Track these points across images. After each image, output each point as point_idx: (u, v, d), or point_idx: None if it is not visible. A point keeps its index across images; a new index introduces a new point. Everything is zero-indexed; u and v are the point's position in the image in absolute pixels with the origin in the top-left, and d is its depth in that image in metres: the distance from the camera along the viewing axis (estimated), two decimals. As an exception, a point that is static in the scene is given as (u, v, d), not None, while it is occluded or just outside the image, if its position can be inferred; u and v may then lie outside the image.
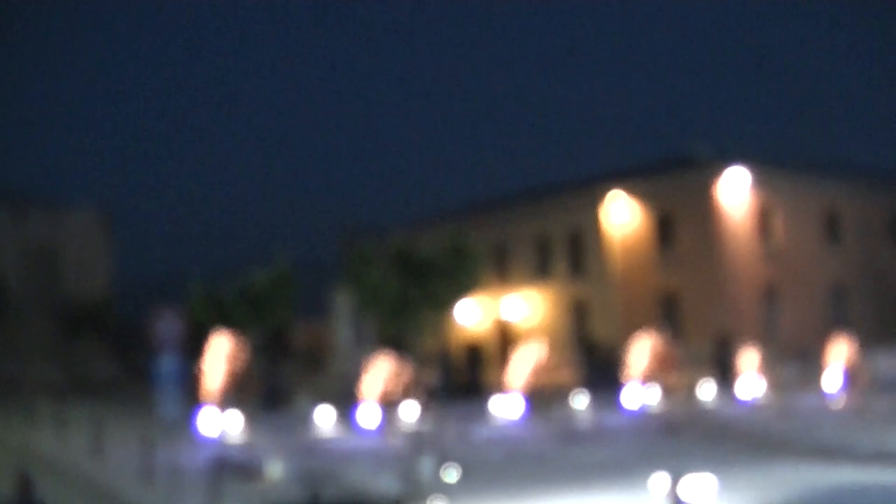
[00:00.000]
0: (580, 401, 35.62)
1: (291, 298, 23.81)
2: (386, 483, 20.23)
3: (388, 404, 33.05)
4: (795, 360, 44.88)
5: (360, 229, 51.53)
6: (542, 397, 37.23)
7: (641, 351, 32.75)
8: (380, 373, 28.28)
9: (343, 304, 43.47)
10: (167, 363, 22.12)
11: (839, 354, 38.42)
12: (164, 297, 36.35)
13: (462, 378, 36.03)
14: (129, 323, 67.31)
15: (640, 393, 33.58)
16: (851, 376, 42.41)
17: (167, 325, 22.74)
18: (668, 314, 49.94)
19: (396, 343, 27.48)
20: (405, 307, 20.27)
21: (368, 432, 28.48)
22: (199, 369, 29.11)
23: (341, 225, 46.80)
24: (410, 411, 22.51)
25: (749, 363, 37.27)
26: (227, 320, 23.41)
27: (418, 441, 20.32)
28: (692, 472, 21.35)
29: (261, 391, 33.06)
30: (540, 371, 35.46)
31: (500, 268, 68.84)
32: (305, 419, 32.42)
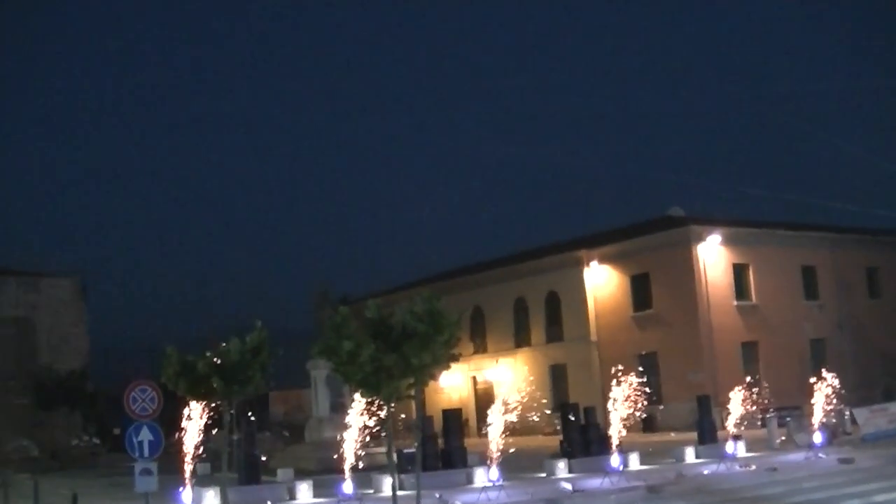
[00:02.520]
0: (561, 463, 35.38)
1: (267, 367, 23.56)
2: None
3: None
4: (776, 416, 44.72)
5: (334, 297, 51.30)
6: (522, 460, 36.99)
7: (621, 412, 32.51)
8: (357, 441, 28.07)
9: (318, 373, 43.20)
10: (144, 435, 21.79)
11: (819, 409, 38.27)
12: (139, 367, 36.08)
13: (441, 444, 35.69)
14: (104, 393, 66.73)
15: (621, 454, 33.31)
16: (832, 431, 42.29)
17: (142, 396, 22.44)
18: (646, 374, 49.71)
19: (373, 411, 27.21)
20: (380, 375, 20.10)
21: (350, 502, 28.22)
22: (175, 440, 28.80)
23: (316, 293, 46.53)
24: (390, 479, 22.36)
25: (729, 420, 37.08)
26: (203, 390, 23.15)
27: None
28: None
29: (239, 462, 32.75)
30: (518, 433, 35.19)
31: (477, 332, 68.75)
32: (285, 489, 32.14)
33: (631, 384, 32.07)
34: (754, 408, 41.07)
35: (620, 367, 33.40)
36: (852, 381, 48.61)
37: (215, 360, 22.67)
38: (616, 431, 32.82)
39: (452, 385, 67.30)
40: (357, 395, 26.26)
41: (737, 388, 37.19)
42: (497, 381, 65.58)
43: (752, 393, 37.99)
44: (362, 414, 27.49)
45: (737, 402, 36.99)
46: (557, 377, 64.23)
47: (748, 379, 39.96)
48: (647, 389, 35.10)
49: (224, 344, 23.05)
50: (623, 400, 32.01)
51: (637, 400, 32.53)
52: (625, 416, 32.48)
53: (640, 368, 33.09)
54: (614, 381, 32.30)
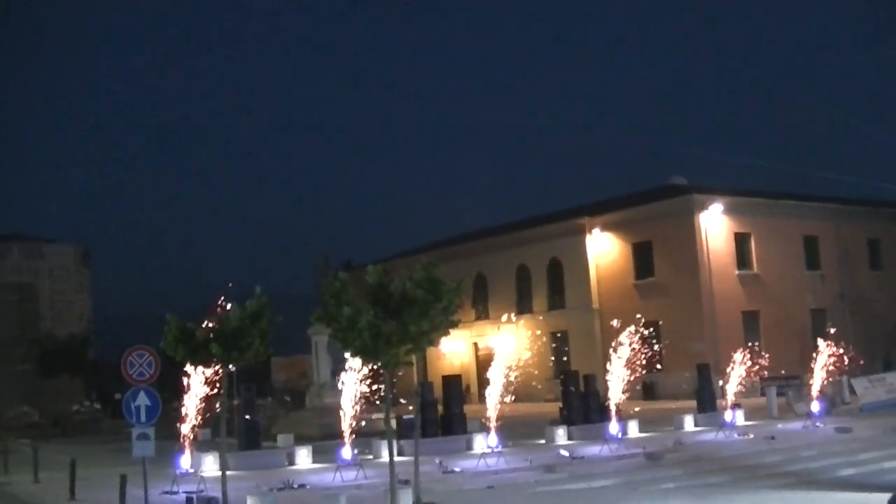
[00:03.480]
0: (561, 430, 35.50)
1: (268, 333, 23.54)
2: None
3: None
4: (776, 385, 44.82)
5: (337, 264, 51.34)
6: (522, 427, 37.10)
7: (621, 375, 32.60)
8: (355, 407, 28.15)
9: (319, 339, 43.25)
10: (142, 400, 21.81)
11: (818, 379, 38.38)
12: (140, 333, 36.10)
13: (441, 410, 35.77)
14: (105, 360, 66.93)
15: (620, 421, 33.41)
16: (831, 400, 42.40)
17: (139, 361, 22.47)
18: (648, 341, 49.63)
19: (374, 377, 27.26)
20: (380, 341, 20.11)
21: (349, 467, 28.28)
22: (175, 406, 28.86)
23: (318, 259, 46.49)
24: (389, 445, 22.40)
25: (730, 389, 37.17)
26: (203, 356, 23.14)
27: (397, 475, 20.09)
28: (675, 502, 21.22)
29: (239, 427, 32.85)
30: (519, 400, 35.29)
31: (480, 298, 68.85)
32: (284, 455, 32.26)
33: (631, 336, 32.22)
34: (754, 377, 41.16)
35: (618, 323, 33.52)
36: (852, 352, 48.55)
37: (214, 325, 22.65)
38: (616, 398, 32.94)
39: (454, 351, 67.44)
40: (350, 362, 26.32)
41: (737, 357, 37.27)
42: (499, 348, 65.64)
43: (753, 362, 38.03)
44: (361, 381, 27.58)
45: (737, 372, 37.08)
46: (559, 344, 64.36)
47: (749, 348, 39.96)
48: (649, 351, 35.15)
49: (223, 310, 23.04)
50: (625, 358, 32.15)
51: (637, 360, 32.63)
52: (625, 381, 32.60)
53: (642, 331, 33.01)
54: (614, 344, 32.45)
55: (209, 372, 25.03)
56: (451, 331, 21.06)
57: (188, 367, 24.93)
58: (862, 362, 48.07)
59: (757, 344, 50.89)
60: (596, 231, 62.91)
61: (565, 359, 61.93)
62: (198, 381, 26.24)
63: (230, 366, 22.79)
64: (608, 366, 33.08)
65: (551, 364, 62.59)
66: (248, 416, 33.46)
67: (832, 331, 42.13)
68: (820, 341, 38.68)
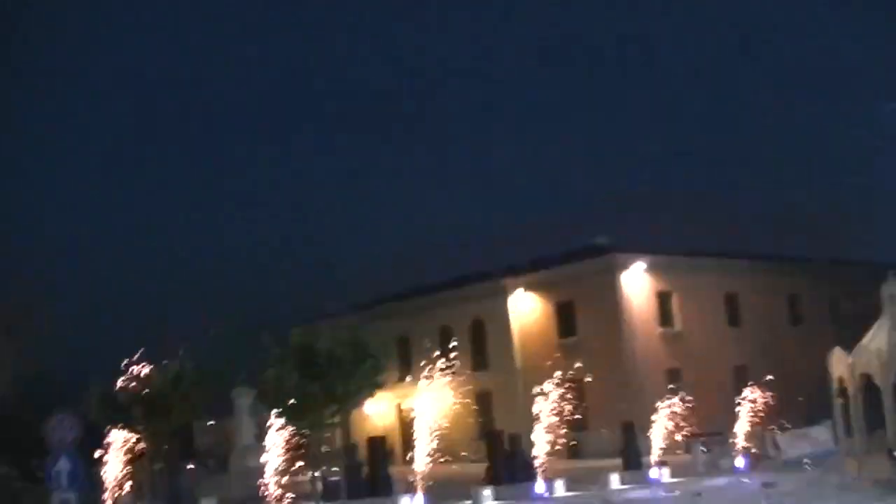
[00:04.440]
0: (487, 491, 35.41)
1: (191, 397, 23.35)
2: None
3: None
4: (701, 442, 45.04)
5: (260, 326, 51.04)
6: (448, 488, 36.97)
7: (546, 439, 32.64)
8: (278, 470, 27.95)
9: (243, 402, 42.99)
10: (63, 465, 21.51)
11: (742, 434, 38.68)
12: (63, 398, 35.64)
13: (367, 472, 35.59)
14: (27, 426, 65.81)
15: (546, 481, 33.40)
16: (755, 455, 42.69)
17: (64, 427, 22.18)
18: (572, 401, 49.84)
19: (299, 439, 27.11)
20: (306, 403, 20.02)
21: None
22: (98, 472, 28.48)
23: (242, 322, 46.33)
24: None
25: (655, 447, 37.34)
26: (126, 421, 22.89)
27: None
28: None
29: (163, 493, 32.48)
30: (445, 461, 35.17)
31: (404, 360, 68.63)
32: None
33: (553, 398, 32.28)
34: (678, 434, 41.35)
35: (541, 389, 33.59)
36: (775, 407, 48.90)
37: (136, 387, 22.50)
38: (541, 457, 32.94)
39: (378, 412, 67.14)
40: (274, 424, 26.24)
41: (660, 414, 37.46)
42: (422, 409, 65.48)
43: (676, 419, 38.25)
44: (285, 444, 27.43)
45: (661, 429, 37.26)
46: (483, 404, 64.23)
47: (672, 405, 40.17)
48: (574, 410, 35.26)
49: (148, 373, 22.88)
50: (548, 414, 32.19)
51: (561, 419, 32.69)
52: (550, 440, 32.62)
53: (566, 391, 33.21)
54: (538, 400, 32.50)
55: (132, 436, 24.81)
56: (375, 392, 21.04)
57: (112, 433, 24.70)
58: (785, 417, 48.43)
59: (680, 401, 51.09)
60: (519, 291, 63.12)
61: (490, 419, 61.83)
62: (120, 446, 25.98)
63: (153, 430, 22.61)
64: (533, 425, 33.10)
65: (476, 424, 62.46)
66: (174, 481, 33.13)
67: (754, 386, 42.47)
68: (743, 397, 39.02)
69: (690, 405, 41.60)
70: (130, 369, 25.36)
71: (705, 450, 44.60)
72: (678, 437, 42.41)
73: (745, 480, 37.22)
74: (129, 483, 29.93)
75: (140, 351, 25.31)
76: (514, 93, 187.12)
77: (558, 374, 35.70)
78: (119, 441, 25.70)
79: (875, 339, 35.74)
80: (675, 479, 38.86)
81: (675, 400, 39.96)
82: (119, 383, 24.50)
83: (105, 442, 26.08)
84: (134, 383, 22.78)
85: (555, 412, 32.45)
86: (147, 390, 21.94)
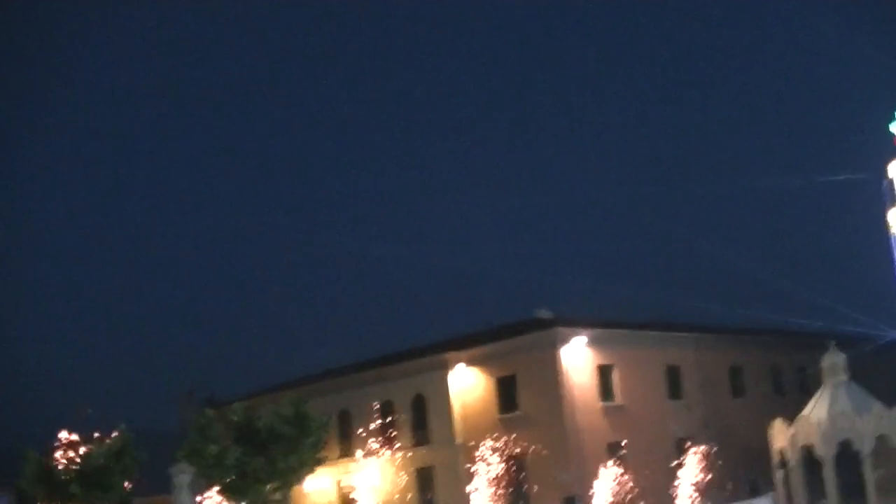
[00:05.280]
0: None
1: (130, 471, 22.99)
2: None
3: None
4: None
5: (201, 398, 50.65)
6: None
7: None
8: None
9: (182, 478, 42.38)
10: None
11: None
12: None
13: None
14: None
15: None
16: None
17: (-1, 504, 21.84)
18: (514, 475, 49.80)
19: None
20: (248, 479, 19.79)
21: None
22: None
23: (182, 394, 45.82)
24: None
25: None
26: (63, 495, 22.48)
27: None
28: None
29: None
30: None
31: (344, 435, 68.17)
32: None
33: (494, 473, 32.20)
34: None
35: (475, 468, 33.50)
36: (718, 479, 49.08)
37: (73, 459, 22.16)
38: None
39: (318, 489, 66.46)
40: (213, 500, 25.96)
41: (602, 488, 37.44)
42: (363, 486, 64.96)
43: (618, 492, 38.27)
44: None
45: (602, 502, 37.23)
46: (424, 480, 63.83)
47: (614, 479, 40.17)
48: (515, 484, 35.22)
49: (85, 448, 22.53)
50: (489, 493, 32.10)
51: (504, 493, 32.63)
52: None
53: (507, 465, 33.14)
54: (478, 478, 32.41)
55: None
56: (316, 468, 20.86)
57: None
58: (729, 488, 48.53)
59: (623, 474, 51.09)
60: (460, 366, 62.88)
61: (431, 494, 61.46)
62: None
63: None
64: (473, 500, 32.97)
65: (417, 500, 62.03)
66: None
67: (696, 457, 42.62)
68: (684, 470, 39.10)
69: (632, 478, 41.64)
70: (67, 439, 24.97)
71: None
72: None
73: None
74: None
75: (76, 420, 24.90)
76: (453, 157, 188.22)
77: (499, 448, 35.66)
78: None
79: (815, 409, 36.02)
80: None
81: (617, 473, 39.98)
82: (57, 455, 24.09)
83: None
84: (72, 453, 22.37)
85: (496, 487, 32.35)
86: (87, 464, 21.54)
